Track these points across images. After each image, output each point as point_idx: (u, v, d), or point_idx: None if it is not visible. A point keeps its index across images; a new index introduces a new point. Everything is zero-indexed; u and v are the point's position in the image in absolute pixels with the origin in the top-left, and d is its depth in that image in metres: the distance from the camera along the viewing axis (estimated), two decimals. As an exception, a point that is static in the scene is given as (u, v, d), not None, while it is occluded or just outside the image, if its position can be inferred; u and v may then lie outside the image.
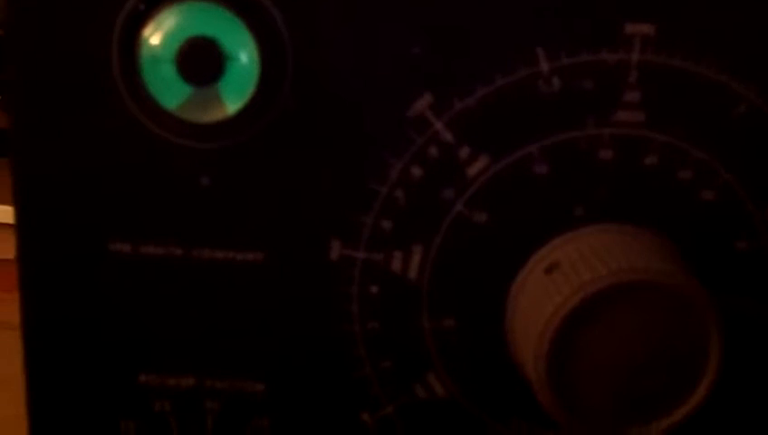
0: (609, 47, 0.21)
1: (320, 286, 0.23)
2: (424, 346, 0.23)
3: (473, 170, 0.22)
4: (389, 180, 0.22)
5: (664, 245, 0.22)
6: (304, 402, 0.24)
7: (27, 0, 0.21)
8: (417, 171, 0.22)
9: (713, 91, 0.21)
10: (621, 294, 0.20)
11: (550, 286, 0.20)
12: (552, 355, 0.20)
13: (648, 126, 0.22)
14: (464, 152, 0.22)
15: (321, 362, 0.23)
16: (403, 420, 0.24)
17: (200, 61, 0.21)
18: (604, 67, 0.21)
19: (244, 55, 0.21)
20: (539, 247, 0.22)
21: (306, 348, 0.23)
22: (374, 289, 0.23)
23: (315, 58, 0.21)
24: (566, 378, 0.20)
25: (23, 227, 0.23)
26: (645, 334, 0.20)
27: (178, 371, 0.24)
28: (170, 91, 0.21)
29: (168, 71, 0.21)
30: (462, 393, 0.23)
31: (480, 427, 0.24)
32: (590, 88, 0.21)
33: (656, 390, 0.20)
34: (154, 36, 0.21)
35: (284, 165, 0.22)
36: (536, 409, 0.22)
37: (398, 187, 0.22)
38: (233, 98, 0.21)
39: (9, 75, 0.22)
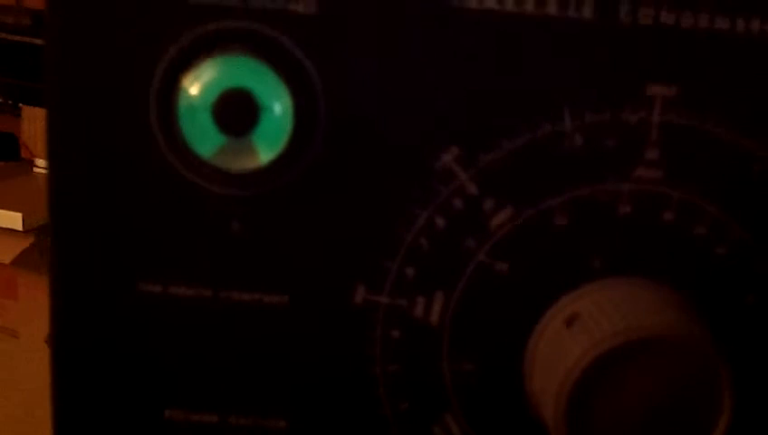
0: (632, 107, 0.22)
1: (343, 329, 0.23)
2: (443, 389, 0.24)
3: (496, 221, 0.23)
4: (415, 228, 0.23)
5: (678, 298, 0.22)
6: (325, 440, 0.25)
7: (70, 47, 0.22)
8: (441, 221, 0.23)
9: (730, 150, 0.22)
10: (639, 348, 0.20)
11: (569, 339, 0.21)
12: (571, 407, 0.20)
13: (666, 183, 0.22)
14: (488, 204, 0.23)
15: (343, 401, 0.24)
16: (420, 459, 0.25)
17: (235, 111, 0.21)
18: (626, 126, 0.22)
19: (278, 107, 0.22)
20: (558, 298, 0.23)
21: (328, 388, 0.24)
22: (396, 333, 0.24)
23: (348, 110, 0.22)
24: (584, 429, 0.21)
25: (57, 265, 0.23)
26: (662, 386, 0.21)
27: (203, 407, 0.24)
28: (206, 140, 0.22)
29: (205, 120, 0.21)
30: (478, 435, 0.24)
31: (495, 467, 0.25)
32: (611, 145, 0.22)
33: (670, 441, 0.21)
34: (193, 86, 0.21)
35: (313, 212, 0.23)
36: (550, 452, 0.23)
37: (422, 235, 0.23)
38: (266, 148, 0.22)
39: (48, 109, 0.22)
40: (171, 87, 0.22)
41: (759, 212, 0.23)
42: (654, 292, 0.22)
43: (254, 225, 0.23)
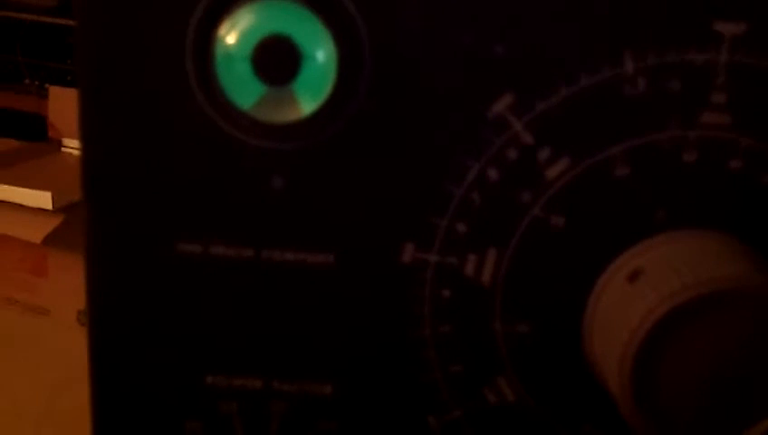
0: (697, 47, 0.20)
1: (391, 289, 0.22)
2: (496, 351, 0.23)
3: (552, 173, 0.21)
4: (465, 182, 0.22)
5: (748, 250, 0.21)
6: (372, 405, 0.23)
7: (102, 5, 0.21)
8: (493, 173, 0.22)
9: (802, 93, 0.21)
10: (709, 303, 0.19)
11: (633, 295, 0.20)
12: (638, 367, 0.19)
13: (734, 129, 0.21)
14: (543, 154, 0.21)
15: (391, 364, 0.23)
16: (471, 426, 0.24)
17: (276, 60, 0.20)
18: (691, 67, 0.21)
19: (321, 54, 0.20)
20: (618, 253, 0.21)
21: (375, 350, 0.23)
22: (446, 293, 0.22)
23: (394, 57, 0.21)
24: (651, 390, 0.19)
25: (93, 224, 0.22)
26: (732, 345, 0.19)
27: (246, 372, 0.23)
28: (245, 91, 0.21)
29: (244, 70, 0.20)
30: (533, 399, 0.23)
31: (550, 433, 0.24)
32: (675, 89, 0.21)
33: (746, 400, 0.20)
34: (230, 35, 0.20)
35: (359, 167, 0.22)
36: (609, 417, 0.21)
37: (474, 189, 0.22)
38: (308, 98, 0.21)
39: (81, 70, 0.22)
40: (207, 37, 0.21)
41: (834, 158, 0.21)
42: (722, 244, 0.21)
43: (296, 180, 0.22)
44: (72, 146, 0.75)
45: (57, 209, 0.72)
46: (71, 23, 0.22)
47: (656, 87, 0.21)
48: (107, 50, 0.21)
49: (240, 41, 0.20)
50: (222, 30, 0.20)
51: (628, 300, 0.20)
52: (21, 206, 0.68)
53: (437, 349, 0.23)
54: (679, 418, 0.20)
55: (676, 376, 0.19)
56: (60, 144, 0.86)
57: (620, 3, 0.20)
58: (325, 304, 0.23)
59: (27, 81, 0.87)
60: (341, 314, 0.23)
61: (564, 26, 0.20)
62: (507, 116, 0.21)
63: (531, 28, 0.20)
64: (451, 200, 0.22)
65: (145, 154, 0.22)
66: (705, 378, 0.19)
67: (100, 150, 0.22)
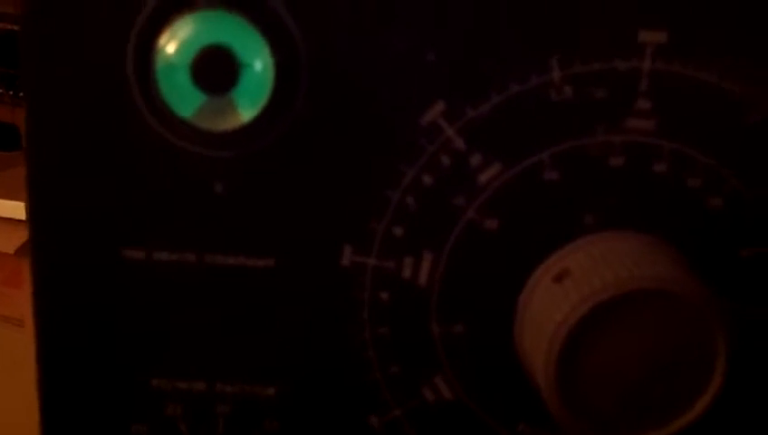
0: (622, 55, 0.21)
1: (331, 292, 0.23)
2: (433, 351, 0.23)
3: (484, 177, 0.22)
4: (401, 187, 0.22)
5: (672, 252, 0.22)
6: (314, 406, 0.24)
7: (44, 5, 0.21)
8: (428, 178, 0.22)
9: (723, 98, 0.21)
10: (630, 302, 0.20)
11: (559, 294, 0.20)
12: (561, 364, 0.20)
13: (658, 134, 0.22)
14: (475, 159, 0.22)
15: (331, 366, 0.24)
16: (411, 424, 0.24)
17: (215, 69, 0.21)
18: (616, 75, 0.21)
19: (259, 63, 0.21)
20: (549, 254, 0.22)
21: (317, 352, 0.24)
22: (384, 295, 0.23)
23: (329, 66, 0.21)
24: (575, 386, 0.20)
25: (36, 232, 0.23)
26: (652, 341, 0.20)
27: (190, 375, 0.24)
28: (185, 100, 0.21)
29: (183, 79, 0.21)
30: (470, 397, 0.24)
31: (487, 431, 0.24)
32: (601, 96, 0.22)
33: (663, 396, 0.20)
34: (170, 44, 0.21)
35: (297, 172, 0.22)
36: (543, 414, 0.22)
37: (409, 193, 0.22)
38: (247, 106, 0.21)
39: (24, 79, 0.22)
40: (148, 46, 0.21)
41: (753, 162, 0.22)
42: (646, 245, 0.21)
43: (237, 186, 0.22)
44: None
45: (29, 219, 0.71)
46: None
47: (582, 94, 0.21)
48: (49, 57, 0.22)
49: (180, 50, 0.21)
50: (162, 40, 0.21)
51: (554, 299, 0.20)
52: (-6, 216, 0.67)
53: (377, 350, 0.23)
54: (601, 413, 0.20)
55: (598, 372, 0.20)
56: (32, 154, 0.86)
57: (547, 12, 0.21)
58: (267, 307, 0.23)
59: (1, 90, 0.87)
60: (283, 317, 0.23)
61: (493, 34, 0.21)
62: (439, 122, 0.22)
63: (461, 36, 0.21)
64: (387, 205, 0.22)
65: (88, 161, 0.22)
66: (625, 375, 0.20)
67: (43, 157, 0.22)
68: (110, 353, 0.24)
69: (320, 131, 0.22)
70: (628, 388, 0.20)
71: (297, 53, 0.21)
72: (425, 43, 0.21)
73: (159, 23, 0.21)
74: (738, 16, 0.21)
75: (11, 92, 0.87)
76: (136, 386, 0.24)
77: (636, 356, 0.20)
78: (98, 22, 0.21)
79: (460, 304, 0.23)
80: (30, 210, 0.23)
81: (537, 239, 0.22)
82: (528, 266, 0.22)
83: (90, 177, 0.22)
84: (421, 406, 0.24)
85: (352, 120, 0.22)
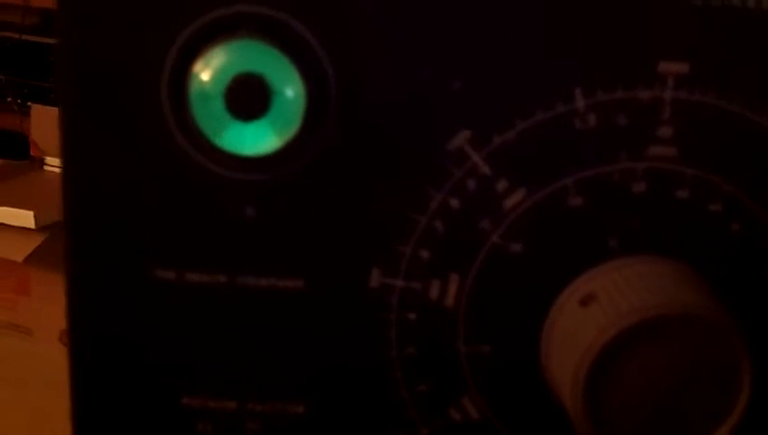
0: (644, 85, 0.22)
1: (359, 313, 0.24)
2: (459, 371, 0.24)
3: (509, 203, 0.23)
4: (429, 211, 0.23)
5: (694, 276, 0.22)
6: (343, 424, 0.25)
7: (81, 39, 0.22)
8: (455, 203, 0.23)
9: (744, 126, 0.22)
10: (656, 326, 0.20)
11: (586, 318, 0.21)
12: (589, 387, 0.20)
13: (680, 161, 0.22)
14: (501, 185, 0.23)
15: (360, 385, 0.24)
16: (437, 442, 0.25)
17: (248, 96, 0.21)
18: (638, 104, 0.22)
19: (290, 91, 0.22)
20: (574, 278, 0.23)
21: (345, 371, 0.24)
22: (412, 316, 0.24)
23: (358, 93, 0.22)
24: (603, 408, 0.21)
25: (73, 252, 0.23)
26: (679, 364, 0.21)
27: (221, 394, 0.24)
28: (218, 125, 0.22)
29: (217, 106, 0.21)
30: (496, 417, 0.24)
31: (512, 449, 0.25)
32: (624, 124, 0.22)
33: (690, 417, 0.21)
34: (204, 72, 0.21)
35: (327, 197, 0.23)
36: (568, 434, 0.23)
37: (436, 217, 0.23)
38: (278, 133, 0.22)
39: (61, 95, 0.22)
40: (183, 74, 0.22)
41: (774, 188, 0.22)
42: (670, 270, 0.22)
43: (267, 210, 0.23)
44: (54, 165, 0.76)
45: (40, 228, 0.72)
46: (53, 41, 0.23)
47: (605, 122, 0.22)
48: (87, 77, 0.22)
49: (214, 78, 0.21)
50: (197, 67, 0.22)
51: (581, 323, 0.21)
52: (3, 225, 0.68)
53: (404, 370, 0.24)
54: (632, 433, 0.21)
55: (625, 395, 0.21)
56: (42, 163, 0.86)
57: (571, 42, 0.22)
58: (296, 328, 0.24)
59: (9, 99, 0.88)
60: (312, 338, 0.24)
61: (519, 63, 0.22)
62: (466, 149, 0.22)
63: (487, 64, 0.22)
64: (415, 228, 0.23)
65: (123, 184, 0.23)
66: (651, 398, 0.21)
67: (80, 177, 0.23)
68: (141, 372, 0.24)
69: (349, 157, 0.22)
70: (654, 411, 0.21)
71: (327, 81, 0.22)
72: (452, 71, 0.22)
73: (195, 49, 0.22)
74: (755, 47, 0.22)
75: (19, 101, 0.87)
76: (167, 405, 0.24)
77: (662, 380, 0.20)
78: (134, 49, 0.22)
79: (486, 326, 0.23)
80: (66, 229, 0.23)
81: (562, 263, 0.23)
82: (553, 290, 0.23)
83: (124, 199, 0.23)
84: (448, 426, 0.24)
85: (381, 146, 0.22)
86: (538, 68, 0.22)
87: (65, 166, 0.23)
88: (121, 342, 0.24)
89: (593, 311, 0.21)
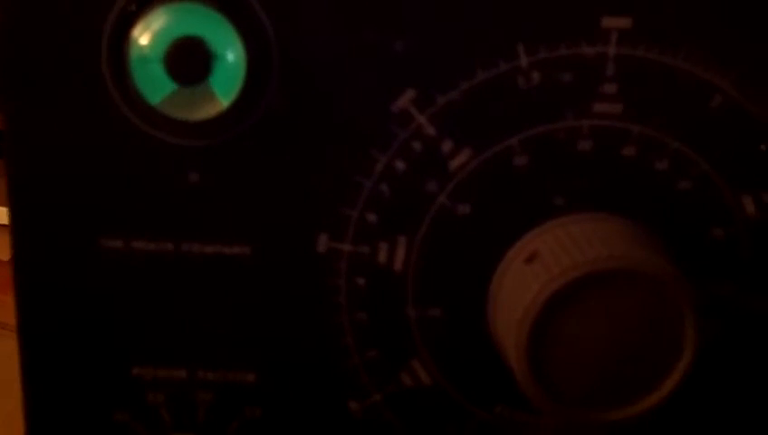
0: (587, 41, 0.22)
1: (307, 279, 0.23)
2: (409, 335, 0.24)
3: (455, 163, 0.22)
4: (374, 174, 0.23)
5: (642, 233, 0.22)
6: (295, 391, 0.24)
7: (19, 2, 0.21)
8: (401, 165, 0.23)
9: (689, 82, 0.22)
10: (599, 281, 0.20)
11: (529, 275, 0.21)
12: (532, 343, 0.20)
13: (625, 117, 0.22)
14: (446, 146, 0.22)
15: (311, 351, 0.24)
16: (391, 408, 0.24)
17: (188, 60, 0.21)
18: (582, 60, 0.22)
19: (231, 54, 0.21)
20: (520, 237, 0.22)
21: (295, 338, 0.24)
22: (361, 281, 0.23)
23: (300, 56, 0.22)
24: (546, 364, 0.20)
25: (17, 225, 0.23)
26: (623, 320, 0.21)
27: (171, 363, 0.24)
28: (158, 90, 0.21)
29: (157, 70, 0.21)
30: (447, 381, 0.24)
31: (465, 413, 0.25)
32: (568, 81, 0.22)
33: (634, 373, 0.21)
34: (143, 36, 0.21)
35: (271, 161, 0.22)
36: (519, 395, 0.22)
37: (382, 180, 0.23)
38: (219, 97, 0.22)
39: (1, 70, 0.22)
40: (122, 38, 0.21)
41: (720, 145, 0.22)
42: (616, 227, 0.22)
43: (211, 175, 0.23)
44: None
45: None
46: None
47: (549, 79, 0.22)
48: (24, 51, 0.22)
49: (153, 42, 0.21)
50: (136, 31, 0.21)
51: (525, 281, 0.21)
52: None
53: (354, 335, 0.24)
54: (572, 391, 0.21)
55: (569, 352, 0.20)
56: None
57: (513, 1, 0.21)
58: (244, 295, 0.24)
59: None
60: (261, 304, 0.24)
61: (460, 22, 0.22)
62: (411, 110, 0.22)
63: (428, 24, 0.22)
64: (361, 192, 0.23)
65: (65, 153, 0.23)
66: (595, 354, 0.20)
67: (21, 149, 0.23)
68: (90, 342, 0.24)
69: (292, 121, 0.22)
70: (598, 367, 0.21)
71: (269, 44, 0.22)
72: (393, 32, 0.22)
73: (133, 14, 0.21)
74: (700, 2, 0.21)
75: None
76: (117, 374, 0.24)
77: (606, 336, 0.20)
78: (72, 16, 0.22)
79: (435, 288, 0.23)
80: (9, 202, 0.23)
81: (508, 223, 0.23)
82: (500, 249, 0.23)
83: (67, 167, 0.23)
84: (400, 390, 0.24)
85: (324, 109, 0.22)
86: (480, 26, 0.22)
87: (7, 136, 0.23)
88: (70, 313, 0.24)
89: (536, 268, 0.21)
